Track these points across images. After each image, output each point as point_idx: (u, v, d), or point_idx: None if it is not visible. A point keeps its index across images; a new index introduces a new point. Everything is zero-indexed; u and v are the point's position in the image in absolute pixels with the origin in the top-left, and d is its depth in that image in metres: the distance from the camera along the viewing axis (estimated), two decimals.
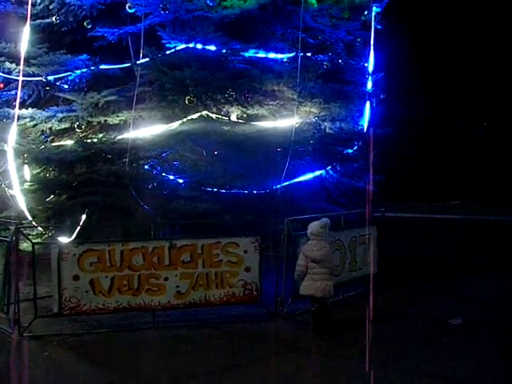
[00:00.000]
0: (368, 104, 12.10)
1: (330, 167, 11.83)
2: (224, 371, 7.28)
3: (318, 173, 11.63)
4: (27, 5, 10.66)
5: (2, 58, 10.86)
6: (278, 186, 10.82)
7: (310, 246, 8.66)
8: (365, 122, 12.11)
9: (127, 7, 10.62)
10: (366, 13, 12.39)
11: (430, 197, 27.40)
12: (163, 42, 10.56)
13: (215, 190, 10.61)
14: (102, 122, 10.88)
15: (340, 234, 10.55)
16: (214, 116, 10.91)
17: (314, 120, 11.54)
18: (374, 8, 12.31)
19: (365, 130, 12.02)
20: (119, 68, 10.81)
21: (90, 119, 10.87)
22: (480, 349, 7.98)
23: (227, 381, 6.95)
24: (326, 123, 11.72)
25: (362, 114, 12.17)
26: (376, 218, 11.48)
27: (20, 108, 10.70)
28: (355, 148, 12.20)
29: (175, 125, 10.67)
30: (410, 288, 11.46)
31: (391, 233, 12.66)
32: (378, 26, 12.56)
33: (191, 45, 10.54)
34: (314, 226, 8.75)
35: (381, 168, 12.20)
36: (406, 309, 10.02)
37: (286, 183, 10.94)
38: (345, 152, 12.13)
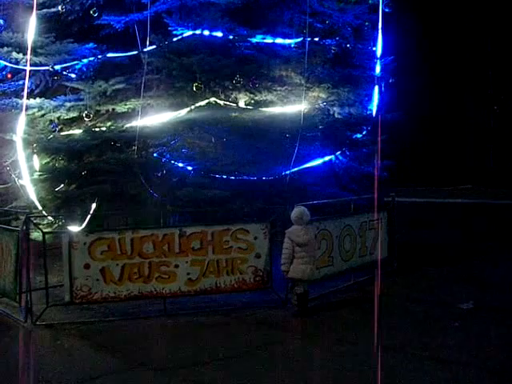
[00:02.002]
0: (376, 88, 12.01)
1: (339, 152, 11.76)
2: (234, 358, 7.29)
3: (327, 158, 11.57)
4: None
5: (10, 48, 10.84)
6: (287, 172, 10.77)
7: (295, 231, 8.76)
8: (373, 106, 12.03)
9: None
10: None
11: (440, 181, 27.30)
12: (170, 29, 10.49)
13: (224, 176, 10.57)
14: (110, 110, 10.85)
15: (350, 219, 10.56)
16: (221, 103, 10.86)
17: (322, 105, 11.47)
18: None
19: (374, 115, 11.94)
20: (126, 56, 10.77)
21: (98, 108, 10.85)
22: (491, 333, 7.95)
23: (237, 367, 6.96)
24: (334, 108, 11.65)
25: (370, 99, 12.09)
26: (386, 203, 11.47)
27: (28, 98, 10.70)
28: (364, 133, 12.12)
29: (183, 112, 10.63)
30: (421, 273, 11.44)
31: (402, 217, 12.63)
32: (386, 10, 12.43)
33: (198, 31, 10.48)
34: (300, 212, 8.83)
35: (391, 153, 12.15)
36: (416, 293, 10.00)
37: (296, 169, 10.89)
38: (354, 137, 12.06)
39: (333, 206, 10.92)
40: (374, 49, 12.26)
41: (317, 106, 11.37)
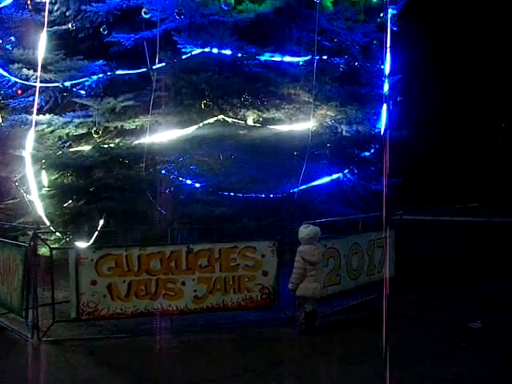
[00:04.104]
0: (385, 106, 12.01)
1: (347, 170, 11.76)
2: (240, 376, 7.27)
3: (335, 176, 11.57)
4: (44, 12, 10.73)
5: (20, 65, 10.93)
6: (295, 190, 10.77)
7: (309, 251, 8.74)
8: (382, 124, 12.02)
9: (143, 12, 10.66)
10: (381, 15, 12.31)
11: (448, 199, 27.23)
12: (179, 46, 10.55)
13: (232, 194, 10.59)
14: (119, 127, 10.90)
15: (357, 237, 10.53)
16: (230, 120, 10.89)
17: (330, 123, 11.47)
18: (390, 10, 12.20)
19: (382, 133, 11.93)
20: (135, 73, 10.82)
21: (106, 124, 10.90)
22: (500, 354, 7.88)
23: None
24: (342, 126, 11.66)
25: (378, 117, 12.09)
26: (394, 221, 11.43)
27: (37, 114, 10.74)
28: (372, 151, 12.13)
29: (192, 129, 10.66)
30: (429, 291, 11.38)
31: (410, 235, 12.58)
32: (394, 28, 12.47)
33: (207, 49, 10.55)
34: (313, 231, 8.81)
35: (398, 171, 12.12)
36: (425, 312, 9.94)
37: (303, 187, 10.89)
38: (362, 155, 12.06)
39: (340, 224, 10.89)
40: (382, 67, 12.26)
41: (325, 123, 11.38)
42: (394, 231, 11.31)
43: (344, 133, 11.72)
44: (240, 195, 10.61)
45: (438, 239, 18.67)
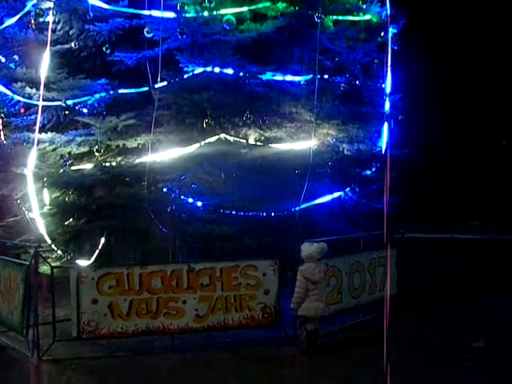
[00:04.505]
0: (386, 125, 12.06)
1: (348, 189, 11.77)
2: None
3: (336, 195, 11.57)
4: (47, 31, 10.81)
5: (23, 84, 10.97)
6: (297, 208, 10.77)
7: (310, 269, 8.71)
8: (383, 143, 12.06)
9: (145, 32, 10.74)
10: (382, 34, 12.36)
11: (449, 217, 27.20)
12: (181, 65, 10.62)
13: (233, 212, 10.60)
14: (121, 145, 10.92)
15: (359, 255, 10.54)
16: (231, 139, 10.91)
17: (331, 142, 11.49)
18: (391, 29, 12.28)
19: (383, 152, 11.96)
20: (137, 92, 10.87)
21: (108, 143, 10.92)
22: (503, 374, 7.85)
23: None
24: (343, 145, 11.68)
25: (380, 136, 12.12)
26: (395, 240, 11.42)
27: (40, 132, 10.77)
28: (374, 169, 12.14)
29: (193, 148, 10.68)
30: (431, 309, 11.35)
31: (411, 254, 12.57)
32: (395, 47, 12.54)
33: (209, 68, 10.61)
34: (312, 251, 8.78)
35: (400, 189, 12.12)
36: (426, 331, 9.91)
37: (305, 205, 10.89)
38: (363, 173, 12.07)
39: (342, 243, 10.89)
40: (383, 86, 12.32)
41: (326, 142, 11.40)
42: (395, 249, 11.31)
43: (345, 151, 11.73)
44: (241, 214, 10.62)
45: (439, 257, 18.64)
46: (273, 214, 10.75)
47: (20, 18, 11.47)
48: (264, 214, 10.68)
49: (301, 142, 11.22)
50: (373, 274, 10.77)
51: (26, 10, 11.25)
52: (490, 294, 12.57)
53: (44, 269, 9.59)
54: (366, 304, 10.55)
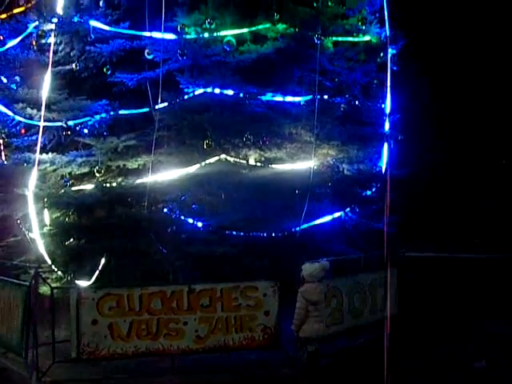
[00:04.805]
0: (386, 145, 12.08)
1: (348, 209, 11.77)
2: None
3: (336, 215, 11.58)
4: (49, 52, 10.89)
5: (24, 104, 11.03)
6: (297, 229, 10.78)
7: (311, 290, 8.62)
8: (383, 163, 12.07)
9: (146, 53, 10.81)
10: (381, 54, 12.43)
11: (450, 236, 27.13)
12: (181, 86, 10.69)
13: (234, 232, 10.60)
14: (121, 166, 10.97)
15: (360, 276, 10.52)
16: (232, 159, 10.96)
17: (331, 162, 11.51)
18: (390, 50, 12.35)
19: (383, 172, 11.97)
20: (138, 113, 10.91)
21: (109, 164, 10.97)
22: None
23: None
24: (343, 165, 11.69)
25: (380, 156, 12.14)
26: (396, 260, 11.40)
27: (40, 153, 10.81)
28: (374, 189, 12.15)
29: (193, 168, 10.71)
30: (433, 329, 11.30)
31: (412, 273, 12.54)
32: (394, 68, 12.59)
33: (209, 89, 10.67)
34: (314, 269, 8.69)
35: (400, 208, 12.12)
36: (428, 351, 9.88)
37: (305, 225, 10.89)
38: (363, 194, 12.08)
39: (342, 263, 10.86)
40: (382, 106, 12.36)
41: (326, 163, 11.42)
42: (396, 269, 11.28)
43: (345, 172, 11.75)
44: (242, 234, 10.62)
45: (441, 276, 18.55)
46: (273, 235, 10.75)
47: (22, 40, 11.56)
48: (264, 234, 10.69)
49: (301, 163, 11.26)
50: (373, 294, 10.75)
51: (28, 31, 11.34)
52: (494, 314, 12.50)
53: (44, 289, 9.59)
54: (367, 324, 10.51)
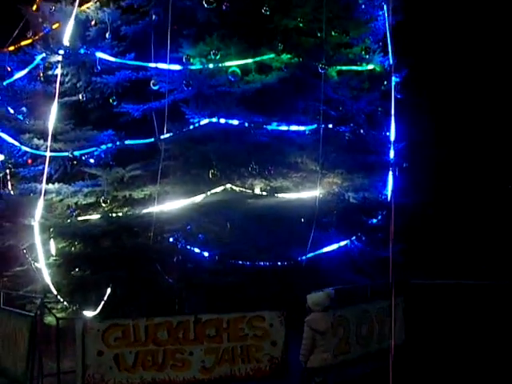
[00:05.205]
0: (391, 173, 12.09)
1: (354, 237, 11.76)
2: None
3: (342, 243, 11.56)
4: (55, 83, 11.01)
5: (31, 135, 11.14)
6: (303, 257, 10.76)
7: (317, 320, 8.57)
8: (388, 191, 12.07)
9: (151, 84, 10.90)
10: (385, 83, 12.51)
11: (458, 262, 26.99)
12: (187, 117, 10.77)
13: (240, 262, 10.58)
14: (127, 196, 11.02)
15: (367, 305, 10.44)
16: (237, 189, 11.00)
17: (337, 190, 11.54)
18: (394, 78, 12.42)
19: (388, 200, 11.96)
20: (144, 143, 10.97)
21: (115, 193, 11.02)
22: None
23: None
24: (349, 193, 11.71)
25: (385, 184, 12.15)
26: (403, 287, 11.33)
27: (47, 183, 10.88)
28: (379, 217, 12.13)
29: (199, 198, 10.74)
30: (441, 359, 11.17)
31: (419, 301, 12.44)
32: (398, 96, 12.65)
33: (214, 119, 10.76)
34: (319, 298, 8.65)
35: (406, 236, 12.08)
36: (436, 382, 9.75)
37: (311, 254, 10.88)
38: (369, 222, 12.08)
39: (349, 292, 10.81)
40: (387, 134, 12.40)
41: (332, 191, 11.45)
42: (402, 297, 11.20)
43: (351, 200, 11.76)
44: (248, 263, 10.60)
45: (448, 303, 18.41)
46: (279, 264, 10.73)
47: (29, 71, 11.72)
48: (271, 263, 10.67)
49: (306, 192, 11.27)
50: (381, 322, 10.64)
51: (35, 63, 11.51)
52: (501, 344, 12.37)
53: (49, 320, 9.54)
54: (375, 353, 10.41)
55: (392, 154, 12.20)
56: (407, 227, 12.11)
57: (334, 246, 11.42)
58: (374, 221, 12.14)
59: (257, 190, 11.19)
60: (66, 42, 10.98)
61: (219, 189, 10.88)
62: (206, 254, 10.60)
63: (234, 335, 9.03)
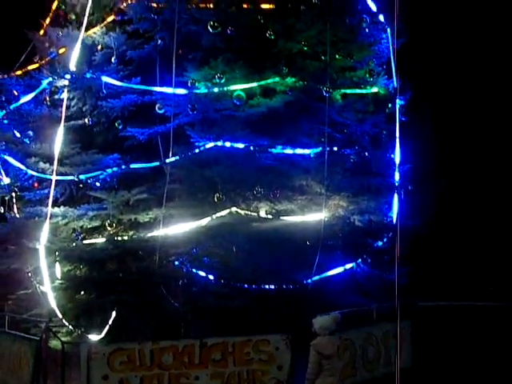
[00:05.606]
0: (396, 196, 12.08)
1: (360, 260, 11.71)
2: None
3: (348, 266, 11.52)
4: (62, 107, 11.09)
5: (37, 159, 11.19)
6: (309, 281, 10.73)
7: (323, 343, 8.48)
8: (394, 213, 12.06)
9: (157, 108, 10.96)
10: (390, 105, 12.55)
11: (465, 284, 26.85)
12: (192, 140, 10.81)
13: (245, 285, 10.55)
14: (133, 219, 11.01)
15: (373, 328, 10.37)
16: (242, 212, 11.00)
17: (342, 213, 11.53)
18: (398, 101, 12.47)
19: (394, 222, 11.94)
20: (149, 166, 11.00)
21: (120, 217, 11.03)
22: None
23: None
24: (354, 216, 11.71)
25: (390, 206, 12.14)
26: (409, 310, 11.26)
27: (52, 206, 10.91)
28: (385, 240, 12.10)
29: (204, 221, 10.75)
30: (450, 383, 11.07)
31: (426, 323, 12.35)
32: (403, 118, 12.67)
33: (219, 143, 10.79)
34: (326, 322, 8.58)
35: (412, 258, 12.03)
36: None
37: (317, 277, 10.85)
38: (375, 244, 12.04)
39: (355, 315, 10.75)
40: (392, 156, 12.40)
41: (337, 214, 11.45)
42: (409, 321, 11.13)
43: (356, 223, 11.75)
44: (253, 287, 10.57)
45: (455, 326, 18.27)
46: (285, 287, 10.70)
47: (35, 95, 11.78)
48: (276, 286, 10.64)
49: (312, 214, 11.26)
50: (387, 345, 10.57)
51: (42, 87, 11.57)
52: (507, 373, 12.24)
53: (54, 344, 9.51)
54: (381, 377, 10.32)
55: (397, 176, 12.20)
56: (413, 249, 12.07)
57: (340, 269, 11.37)
58: (380, 243, 12.10)
59: (262, 213, 11.19)
60: (72, 66, 11.06)
61: (224, 212, 10.89)
62: (211, 277, 10.58)
63: (240, 359, 8.97)
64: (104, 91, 11.10)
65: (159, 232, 10.57)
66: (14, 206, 12.45)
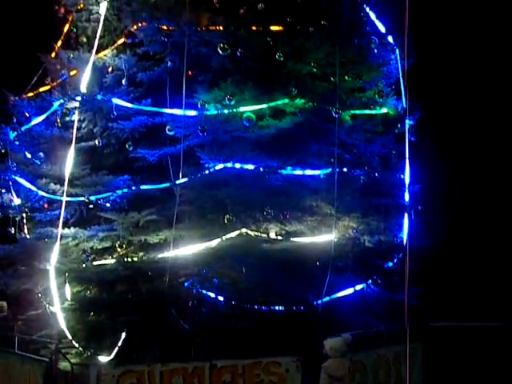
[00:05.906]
0: (406, 216, 12.07)
1: (370, 281, 11.67)
2: None
3: (358, 287, 11.48)
4: (72, 129, 11.17)
5: (48, 180, 11.25)
6: (319, 302, 10.70)
7: (334, 366, 8.45)
8: (404, 234, 12.03)
9: (167, 130, 11.01)
10: (399, 126, 12.57)
11: (477, 304, 26.65)
12: (202, 161, 10.84)
13: (255, 307, 10.53)
14: (143, 240, 11.04)
15: (384, 349, 10.33)
16: (252, 233, 11.03)
17: (352, 234, 11.53)
18: (407, 121, 12.49)
19: (404, 243, 11.91)
20: (159, 188, 11.03)
21: (130, 238, 11.06)
22: None
23: None
24: (364, 237, 11.68)
25: (401, 227, 12.11)
26: (421, 332, 11.19)
27: (63, 227, 10.94)
28: (395, 261, 12.06)
29: (214, 243, 10.76)
30: None
31: (438, 345, 12.26)
32: (412, 139, 12.69)
33: (229, 164, 10.83)
34: (337, 344, 8.56)
35: (423, 279, 11.98)
36: None
37: (327, 298, 10.82)
38: (385, 265, 12.01)
39: (366, 336, 10.70)
40: (402, 177, 12.40)
41: (347, 235, 11.44)
42: (420, 343, 11.07)
43: (366, 243, 11.73)
44: (263, 308, 10.55)
45: (469, 346, 18.10)
46: (295, 308, 10.67)
47: (47, 117, 11.88)
48: (286, 308, 10.61)
49: (322, 235, 11.26)
50: (398, 367, 10.52)
51: (53, 109, 11.66)
52: None
53: (64, 365, 9.51)
54: None
55: (407, 196, 12.19)
56: (423, 270, 12.02)
57: (350, 290, 11.34)
58: (390, 264, 12.06)
59: (272, 235, 11.21)
60: (83, 88, 11.13)
61: (234, 233, 10.90)
62: (221, 298, 10.56)
63: (250, 381, 8.98)
64: (114, 113, 11.15)
65: (169, 253, 10.58)
66: (25, 227, 12.52)
